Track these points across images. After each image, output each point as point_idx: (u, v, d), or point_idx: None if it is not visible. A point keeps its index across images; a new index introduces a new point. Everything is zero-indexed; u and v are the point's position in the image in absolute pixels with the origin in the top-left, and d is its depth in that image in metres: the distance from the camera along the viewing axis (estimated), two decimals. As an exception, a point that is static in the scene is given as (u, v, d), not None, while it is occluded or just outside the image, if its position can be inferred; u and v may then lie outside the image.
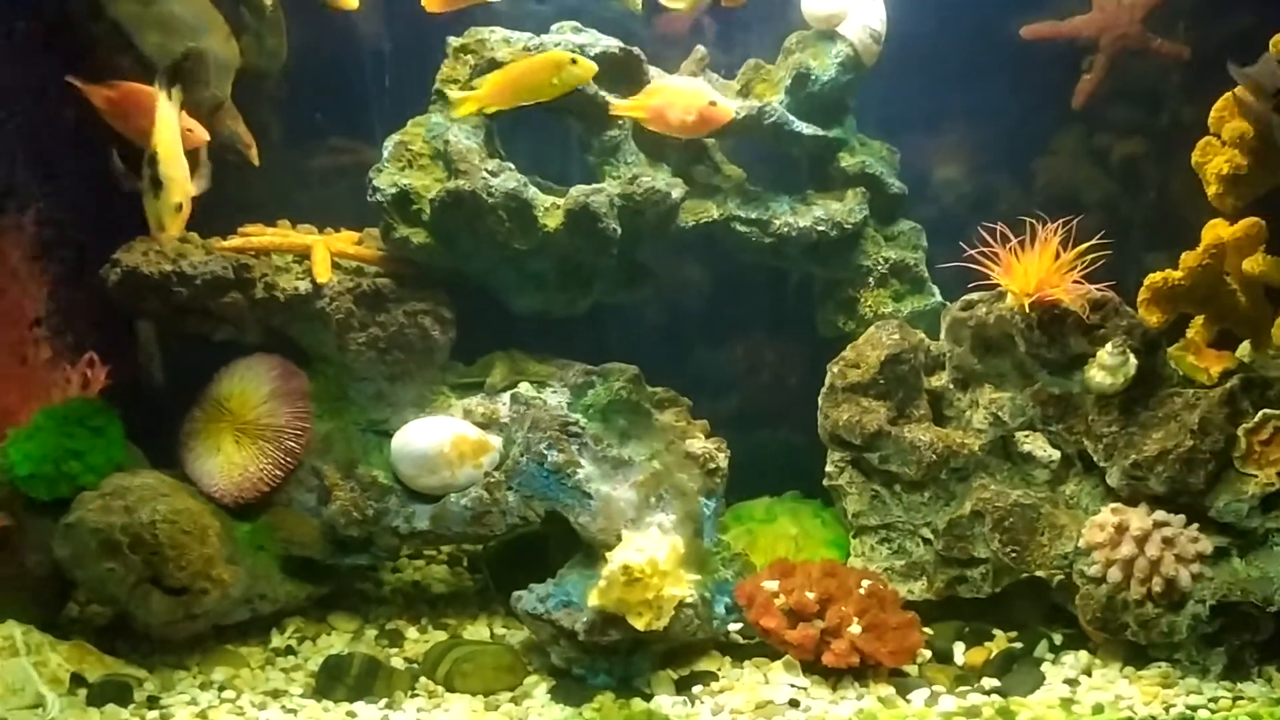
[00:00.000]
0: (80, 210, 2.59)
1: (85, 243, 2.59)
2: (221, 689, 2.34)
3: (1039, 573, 2.47)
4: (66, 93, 2.46)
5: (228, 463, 2.48)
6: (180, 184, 2.18)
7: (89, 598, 2.49)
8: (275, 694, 2.33)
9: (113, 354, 2.58)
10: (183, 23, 2.50)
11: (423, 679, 2.37)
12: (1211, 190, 2.36)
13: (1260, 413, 2.38)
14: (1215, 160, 2.35)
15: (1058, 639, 2.47)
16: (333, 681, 2.33)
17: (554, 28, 2.56)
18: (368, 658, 2.38)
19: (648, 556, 2.26)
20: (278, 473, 2.49)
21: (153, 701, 2.27)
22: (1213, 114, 2.39)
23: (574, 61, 2.34)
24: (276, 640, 2.50)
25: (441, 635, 2.52)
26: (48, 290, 2.57)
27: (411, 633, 2.54)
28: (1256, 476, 2.38)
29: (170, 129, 2.21)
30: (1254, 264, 2.39)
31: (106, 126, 2.38)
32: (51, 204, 2.58)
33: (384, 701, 2.29)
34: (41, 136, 2.54)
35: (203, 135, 2.33)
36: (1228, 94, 2.39)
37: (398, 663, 2.42)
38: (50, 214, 2.57)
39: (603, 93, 2.52)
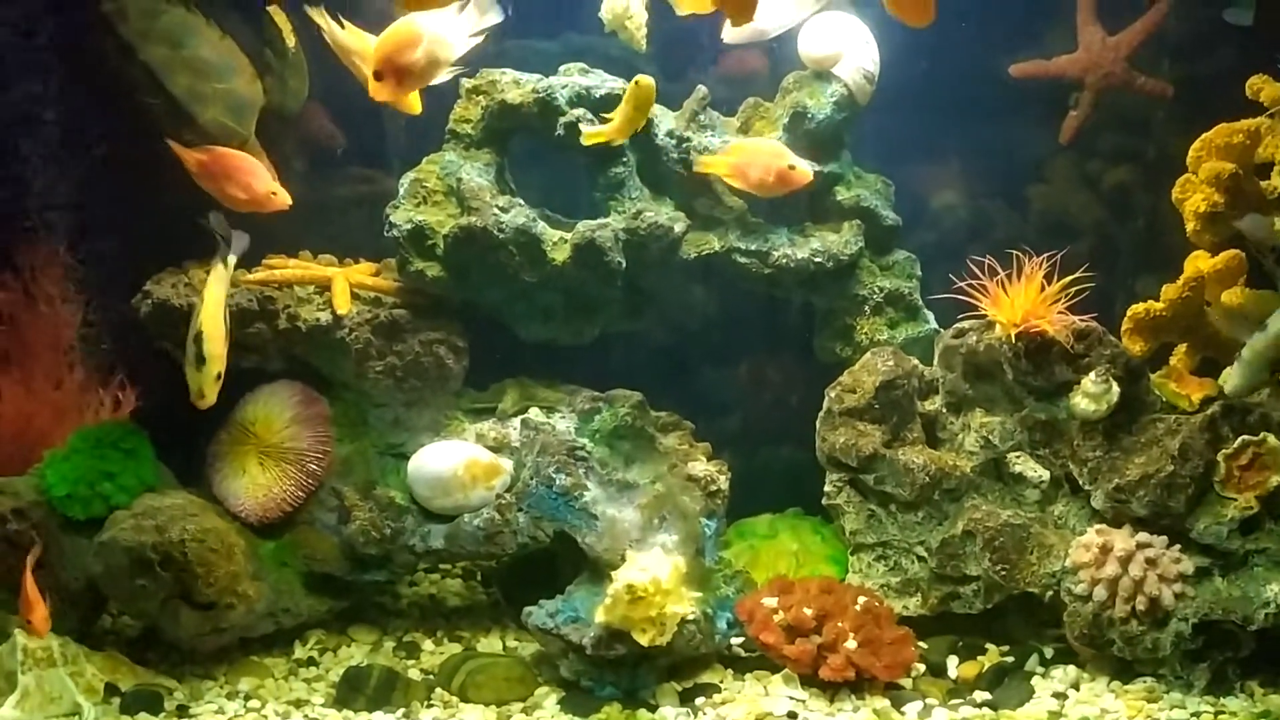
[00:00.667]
0: (109, 242, 2.67)
1: (114, 273, 2.65)
2: (247, 698, 2.38)
3: (1029, 589, 2.48)
4: (97, 131, 2.61)
5: (253, 484, 2.53)
6: (219, 359, 2.36)
7: (122, 611, 2.54)
8: (298, 703, 2.36)
9: (141, 378, 2.64)
10: (210, 65, 2.57)
11: (438, 690, 2.40)
12: (1190, 226, 2.39)
13: (1239, 439, 2.41)
14: (1193, 198, 2.38)
15: (1048, 653, 2.49)
16: (353, 692, 2.37)
17: (561, 69, 2.60)
18: (386, 669, 2.42)
19: (651, 576, 2.30)
20: (300, 493, 2.53)
21: (182, 710, 2.32)
22: (1191, 153, 2.42)
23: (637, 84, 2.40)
24: (299, 652, 2.54)
25: (456, 648, 2.56)
26: (80, 317, 2.65)
27: (428, 645, 2.57)
28: (1236, 500, 2.40)
29: (217, 305, 2.38)
30: (1233, 296, 2.42)
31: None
32: (84, 237, 2.66)
33: (401, 711, 2.32)
34: (76, 174, 2.63)
35: (285, 200, 2.45)
36: (1205, 135, 2.40)
37: (414, 674, 2.46)
38: (83, 246, 2.65)
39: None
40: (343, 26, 2.50)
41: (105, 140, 2.64)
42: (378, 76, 2.30)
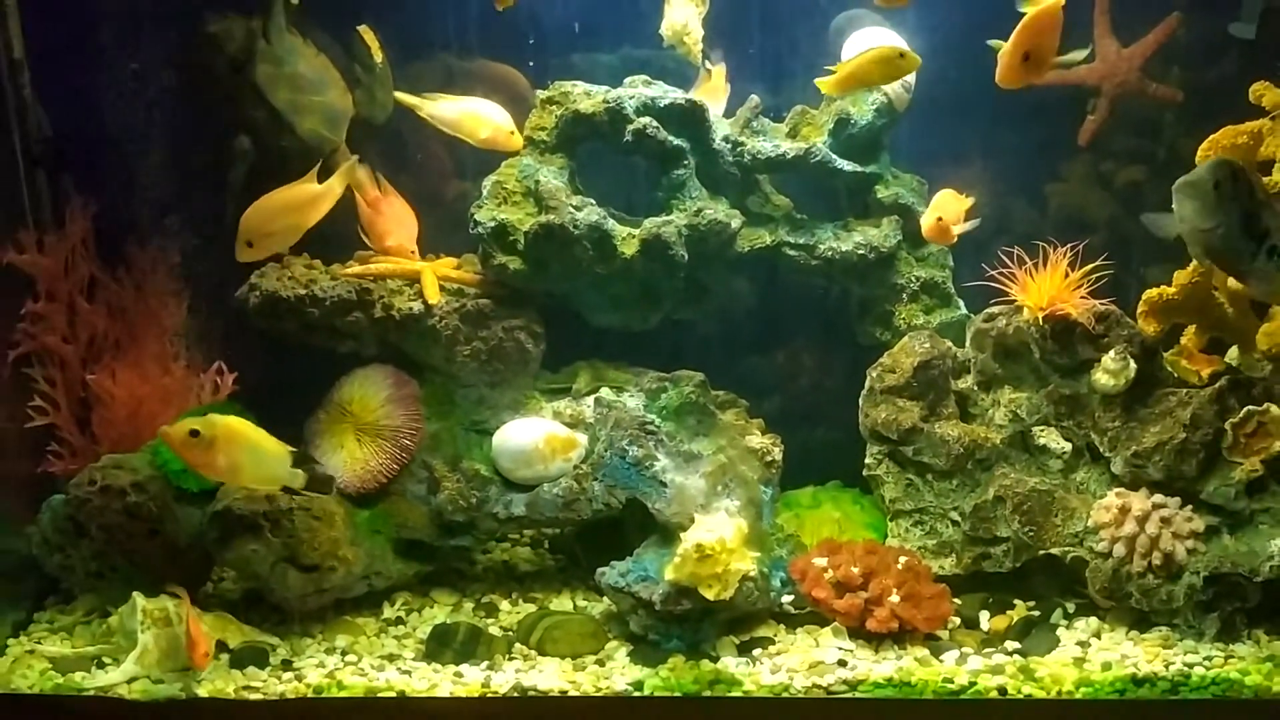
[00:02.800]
0: (209, 243, 2.78)
1: (213, 272, 2.76)
2: (344, 653, 2.47)
3: (1054, 550, 2.56)
4: (202, 142, 2.73)
5: (350, 458, 2.62)
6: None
7: (235, 575, 2.64)
8: (390, 657, 2.45)
9: (236, 365, 2.76)
10: (308, 80, 2.70)
11: (517, 644, 2.49)
12: None
13: (1245, 409, 2.47)
14: None
15: (1071, 608, 2.56)
16: (441, 647, 2.46)
17: (627, 81, 2.69)
18: (470, 625, 2.52)
19: (717, 536, 2.37)
20: (394, 466, 2.62)
21: (286, 664, 2.42)
22: (1200, 152, 2.46)
23: (901, 55, 2.40)
24: (388, 612, 2.62)
25: (530, 607, 2.63)
26: (184, 311, 2.78)
27: (504, 605, 2.66)
28: (1242, 465, 2.47)
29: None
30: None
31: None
32: (189, 239, 2.79)
33: (485, 664, 2.42)
34: (182, 183, 2.76)
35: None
36: (1213, 135, 2.46)
37: (495, 630, 2.54)
38: (187, 248, 2.78)
39: (671, 138, 2.63)
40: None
41: (209, 150, 2.73)
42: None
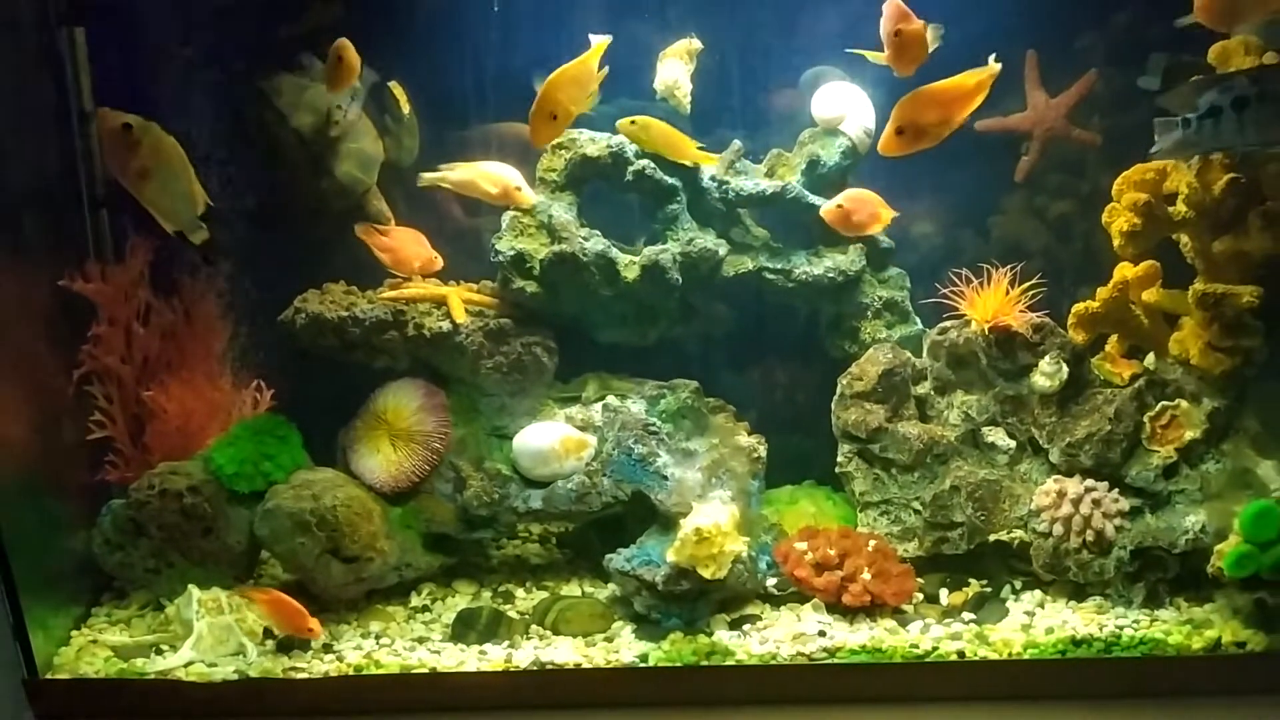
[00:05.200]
0: (252, 274, 2.95)
1: (255, 298, 2.94)
2: (378, 637, 2.58)
3: (1002, 534, 2.73)
4: (250, 184, 2.86)
5: (386, 460, 2.73)
6: None
7: (283, 566, 2.72)
8: (421, 640, 2.57)
9: (274, 383, 2.91)
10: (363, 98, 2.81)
11: (534, 626, 2.60)
12: (1116, 243, 2.56)
13: (1160, 404, 2.61)
14: (1118, 221, 2.55)
15: (1018, 584, 2.69)
16: (466, 629, 2.58)
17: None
18: (493, 609, 2.64)
19: (713, 521, 2.48)
20: (425, 467, 2.73)
21: (327, 648, 2.54)
22: (1115, 186, 2.59)
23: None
24: (415, 601, 2.73)
25: (543, 594, 2.73)
26: (229, 334, 2.92)
27: (520, 593, 2.77)
28: (1159, 452, 2.61)
29: None
30: (1152, 295, 2.62)
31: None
32: (234, 267, 2.92)
33: (506, 643, 2.53)
34: (231, 220, 2.85)
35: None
36: (1125, 172, 2.58)
37: (513, 614, 2.65)
38: (232, 278, 2.93)
39: (666, 178, 2.77)
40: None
41: (256, 191, 2.87)
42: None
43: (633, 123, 2.67)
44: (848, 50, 2.50)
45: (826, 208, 2.71)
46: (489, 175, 2.74)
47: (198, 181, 2.28)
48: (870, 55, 2.48)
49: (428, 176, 2.75)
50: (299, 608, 2.47)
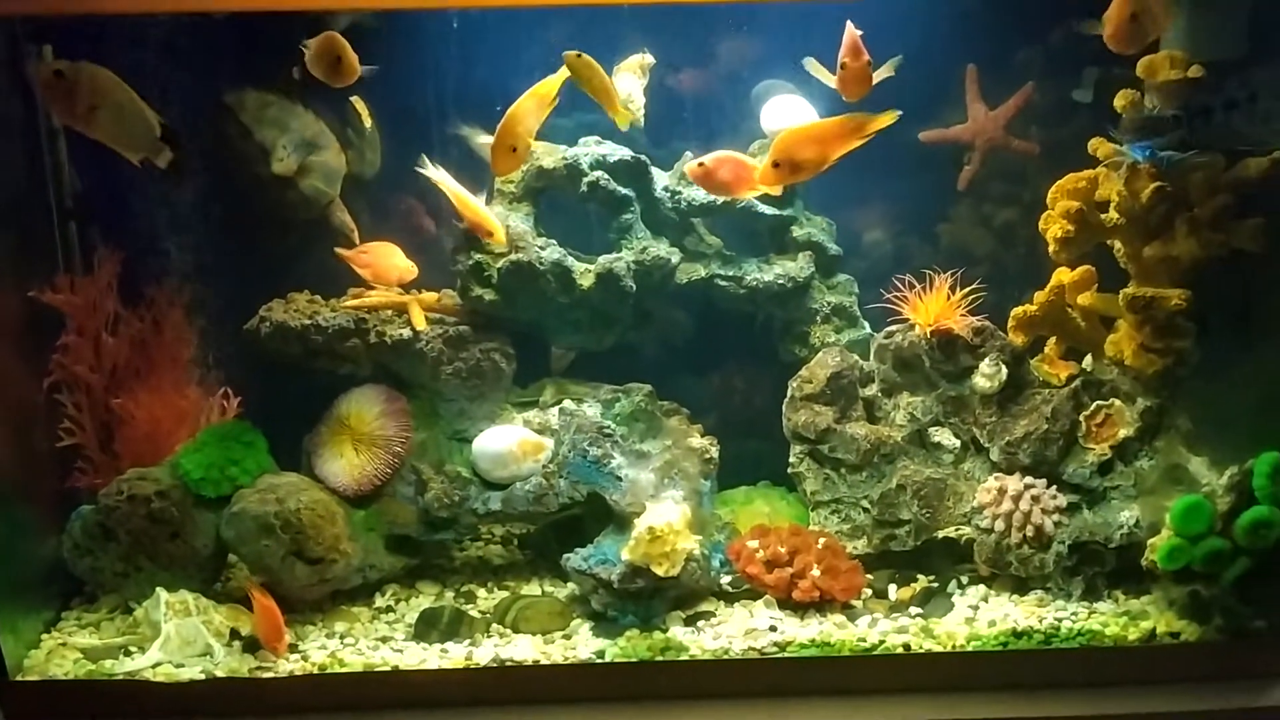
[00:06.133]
0: (218, 285, 2.98)
1: (221, 309, 2.97)
2: (343, 637, 2.61)
3: (949, 530, 2.78)
4: (215, 197, 2.89)
5: (349, 465, 2.76)
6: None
7: (249, 568, 2.71)
8: (384, 639, 2.60)
9: (240, 390, 2.95)
10: (307, 142, 2.87)
11: (494, 625, 2.62)
12: (1051, 249, 2.62)
13: (1095, 404, 2.66)
14: (1053, 228, 2.60)
15: (964, 580, 2.73)
16: (428, 628, 2.60)
17: (580, 141, 2.86)
18: (454, 608, 2.65)
19: (665, 520, 2.52)
20: (387, 471, 2.76)
21: (293, 647, 2.55)
22: (1050, 194, 2.63)
23: None
24: (379, 601, 2.75)
25: (504, 594, 2.75)
26: (195, 343, 2.94)
27: (481, 593, 2.79)
28: (1094, 450, 2.66)
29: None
30: (1087, 299, 2.68)
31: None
32: (201, 278, 2.95)
33: (468, 641, 2.56)
34: (197, 232, 2.93)
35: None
36: (1059, 181, 2.62)
37: (474, 613, 2.66)
38: (200, 285, 2.95)
39: (620, 188, 2.82)
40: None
41: (221, 203, 2.90)
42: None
43: (579, 56, 2.61)
44: (803, 67, 2.57)
45: (689, 166, 2.65)
46: (477, 210, 2.75)
47: (145, 104, 2.21)
48: (822, 75, 2.59)
49: (429, 172, 2.74)
50: (282, 629, 2.51)
